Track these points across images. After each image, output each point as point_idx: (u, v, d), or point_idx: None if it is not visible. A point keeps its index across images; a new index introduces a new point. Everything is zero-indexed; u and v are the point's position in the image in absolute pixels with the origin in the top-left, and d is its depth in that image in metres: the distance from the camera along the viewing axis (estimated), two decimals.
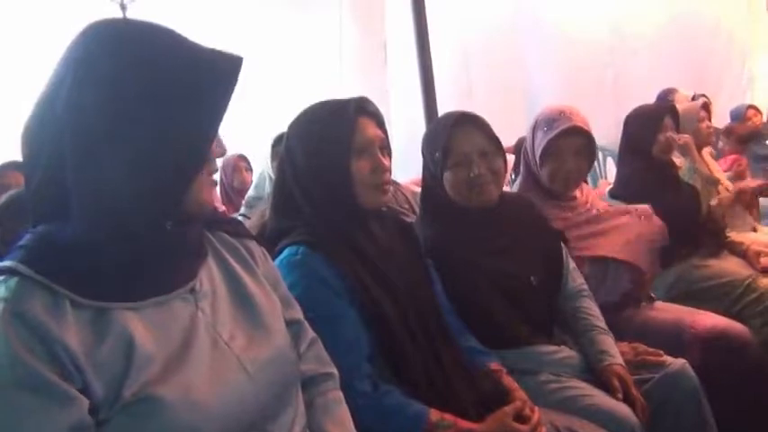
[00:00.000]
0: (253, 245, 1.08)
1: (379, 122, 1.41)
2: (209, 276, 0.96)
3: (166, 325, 0.87)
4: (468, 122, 1.67)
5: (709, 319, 1.87)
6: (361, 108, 1.38)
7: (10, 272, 0.80)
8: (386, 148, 1.41)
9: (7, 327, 0.76)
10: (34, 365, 0.76)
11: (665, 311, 2.01)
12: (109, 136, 0.81)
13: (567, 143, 1.95)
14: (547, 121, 1.97)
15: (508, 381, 1.47)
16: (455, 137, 1.65)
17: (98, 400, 0.79)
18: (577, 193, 2.07)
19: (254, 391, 0.91)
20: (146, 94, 0.81)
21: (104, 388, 0.80)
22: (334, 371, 1.15)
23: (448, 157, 1.65)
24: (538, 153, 1.97)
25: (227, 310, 0.96)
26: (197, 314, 0.91)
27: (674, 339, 1.76)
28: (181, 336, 0.88)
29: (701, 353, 1.72)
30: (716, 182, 2.68)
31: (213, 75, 0.86)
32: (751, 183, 2.95)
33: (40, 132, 0.84)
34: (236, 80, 0.88)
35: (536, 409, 1.38)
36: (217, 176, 0.98)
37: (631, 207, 2.07)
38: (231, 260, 1.02)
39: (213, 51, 0.88)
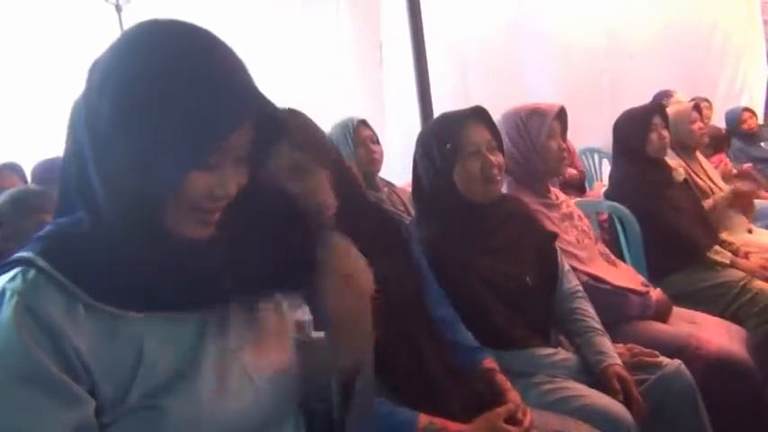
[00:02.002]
0: None
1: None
2: None
3: (176, 338, 0.86)
4: (478, 116, 1.69)
5: (714, 343, 1.84)
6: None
7: (28, 263, 0.79)
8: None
9: (19, 320, 0.75)
10: (42, 361, 0.75)
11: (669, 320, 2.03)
12: (109, 139, 0.80)
13: (555, 125, 2.04)
14: (529, 114, 2.05)
15: (501, 380, 1.46)
16: (467, 129, 1.66)
17: (104, 402, 0.79)
18: (554, 192, 2.13)
19: (258, 400, 0.91)
20: (146, 108, 0.79)
21: (111, 391, 0.79)
22: None
23: (460, 148, 1.65)
24: (543, 136, 2.01)
25: (237, 322, 0.95)
26: (207, 321, 0.90)
27: (676, 355, 1.73)
28: (189, 347, 0.87)
29: (702, 373, 1.70)
30: None
31: (226, 111, 0.81)
32: (745, 186, 2.95)
33: (71, 129, 0.85)
34: (243, 122, 0.85)
35: (528, 411, 1.36)
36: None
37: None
38: None
39: (246, 90, 0.84)
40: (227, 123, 0.82)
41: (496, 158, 1.67)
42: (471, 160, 1.66)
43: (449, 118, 1.72)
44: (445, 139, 1.67)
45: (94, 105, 0.81)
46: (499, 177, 1.68)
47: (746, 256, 2.49)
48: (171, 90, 0.79)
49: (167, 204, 0.82)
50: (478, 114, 1.69)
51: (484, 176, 1.66)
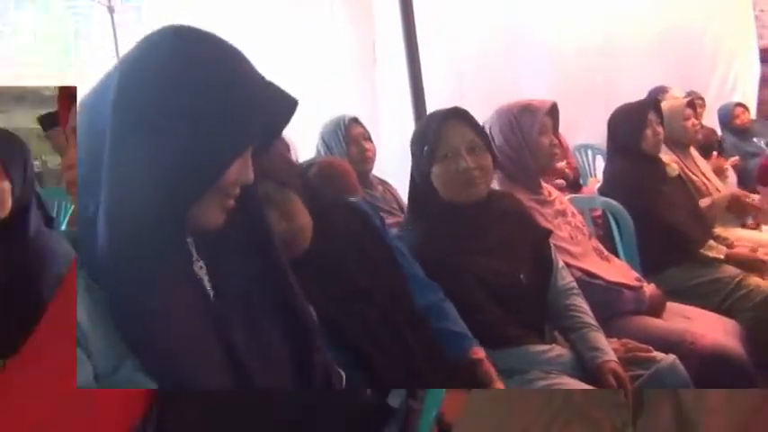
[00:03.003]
0: None
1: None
2: None
3: None
4: (457, 117, 1.67)
5: (709, 338, 1.84)
6: None
7: None
8: None
9: None
10: None
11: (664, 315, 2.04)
12: (135, 137, 0.81)
13: (546, 121, 2.06)
14: (521, 111, 2.07)
15: (487, 371, 1.43)
16: (444, 130, 1.65)
17: (97, 371, 0.81)
18: (546, 188, 2.14)
19: None
20: (178, 108, 0.82)
21: (103, 363, 0.81)
22: None
23: (436, 150, 1.64)
24: (535, 132, 2.02)
25: None
26: None
27: (671, 350, 1.73)
28: None
29: (696, 368, 1.70)
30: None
31: (256, 108, 0.86)
32: (747, 197, 2.96)
33: (88, 127, 0.87)
34: (280, 121, 0.92)
35: None
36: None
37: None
38: None
39: (268, 86, 0.89)
40: (279, 115, 0.90)
41: (477, 159, 1.64)
42: (447, 162, 1.64)
43: (429, 118, 1.73)
44: (424, 140, 1.67)
45: (121, 100, 0.82)
46: (482, 179, 1.66)
47: (755, 251, 2.50)
48: (189, 111, 0.82)
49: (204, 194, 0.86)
50: (459, 115, 1.67)
51: (459, 179, 1.64)
